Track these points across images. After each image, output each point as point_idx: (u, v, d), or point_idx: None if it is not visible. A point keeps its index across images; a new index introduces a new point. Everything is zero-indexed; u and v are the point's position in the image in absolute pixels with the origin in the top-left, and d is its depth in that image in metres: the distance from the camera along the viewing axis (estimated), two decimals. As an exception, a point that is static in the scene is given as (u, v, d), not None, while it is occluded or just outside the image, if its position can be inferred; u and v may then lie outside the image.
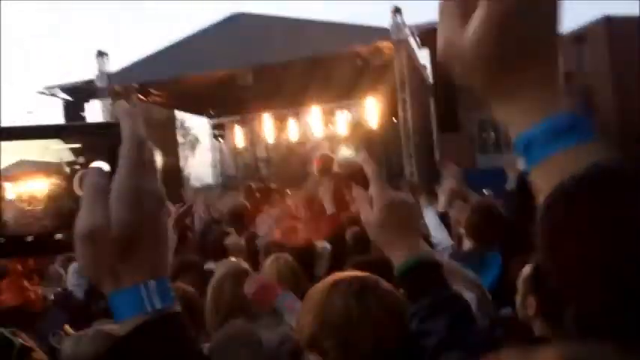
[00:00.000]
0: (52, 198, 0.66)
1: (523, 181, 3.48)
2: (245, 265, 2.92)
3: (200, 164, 17.55)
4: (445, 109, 10.94)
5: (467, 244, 3.34)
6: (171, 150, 14.28)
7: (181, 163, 15.77)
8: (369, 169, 1.24)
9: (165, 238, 0.66)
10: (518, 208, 3.37)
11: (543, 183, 0.52)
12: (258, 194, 8.92)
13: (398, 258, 1.20)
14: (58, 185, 0.66)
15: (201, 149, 19.11)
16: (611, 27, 29.14)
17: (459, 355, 1.10)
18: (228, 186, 15.10)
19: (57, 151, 0.65)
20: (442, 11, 0.57)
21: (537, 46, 0.54)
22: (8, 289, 1.72)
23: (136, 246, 0.63)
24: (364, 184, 1.26)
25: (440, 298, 1.17)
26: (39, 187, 0.65)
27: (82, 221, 0.61)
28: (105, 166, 0.64)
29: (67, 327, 2.14)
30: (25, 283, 2.01)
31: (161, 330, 0.62)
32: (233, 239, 5.15)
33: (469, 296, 2.01)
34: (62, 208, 0.65)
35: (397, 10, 10.83)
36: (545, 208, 0.51)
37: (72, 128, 0.66)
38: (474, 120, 21.53)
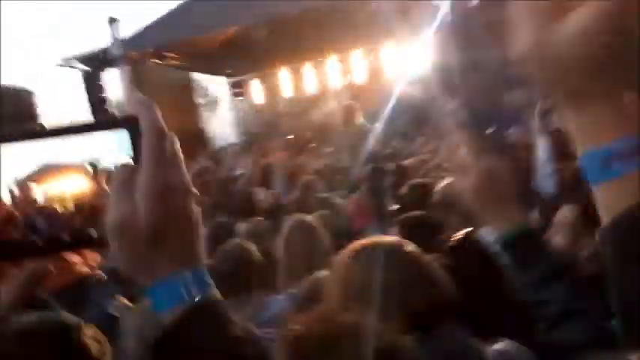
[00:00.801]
0: (80, 197, 0.66)
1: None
2: (311, 219, 2.88)
3: (222, 124, 17.53)
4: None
5: None
6: (191, 112, 14.30)
7: (203, 125, 15.77)
8: (462, 134, 1.20)
9: (196, 228, 0.66)
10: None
11: (615, 199, 0.49)
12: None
13: (499, 225, 1.17)
14: (84, 184, 0.66)
15: (221, 109, 19.07)
16: None
17: (583, 325, 1.08)
18: (251, 143, 15.10)
19: (79, 149, 0.65)
20: (530, 9, 0.51)
21: None
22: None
23: (166, 237, 0.63)
24: None
25: (553, 266, 1.13)
26: (66, 188, 0.66)
27: (111, 215, 0.63)
28: (129, 161, 0.64)
29: (119, 297, 2.16)
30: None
31: (201, 319, 0.63)
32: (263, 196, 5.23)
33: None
34: (91, 206, 0.66)
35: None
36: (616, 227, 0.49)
37: (91, 126, 0.65)
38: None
